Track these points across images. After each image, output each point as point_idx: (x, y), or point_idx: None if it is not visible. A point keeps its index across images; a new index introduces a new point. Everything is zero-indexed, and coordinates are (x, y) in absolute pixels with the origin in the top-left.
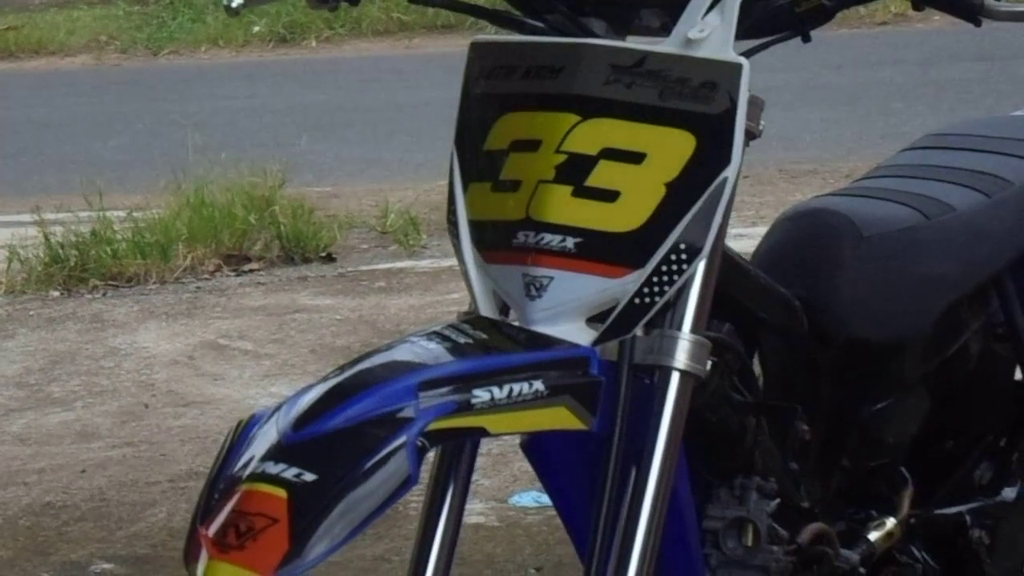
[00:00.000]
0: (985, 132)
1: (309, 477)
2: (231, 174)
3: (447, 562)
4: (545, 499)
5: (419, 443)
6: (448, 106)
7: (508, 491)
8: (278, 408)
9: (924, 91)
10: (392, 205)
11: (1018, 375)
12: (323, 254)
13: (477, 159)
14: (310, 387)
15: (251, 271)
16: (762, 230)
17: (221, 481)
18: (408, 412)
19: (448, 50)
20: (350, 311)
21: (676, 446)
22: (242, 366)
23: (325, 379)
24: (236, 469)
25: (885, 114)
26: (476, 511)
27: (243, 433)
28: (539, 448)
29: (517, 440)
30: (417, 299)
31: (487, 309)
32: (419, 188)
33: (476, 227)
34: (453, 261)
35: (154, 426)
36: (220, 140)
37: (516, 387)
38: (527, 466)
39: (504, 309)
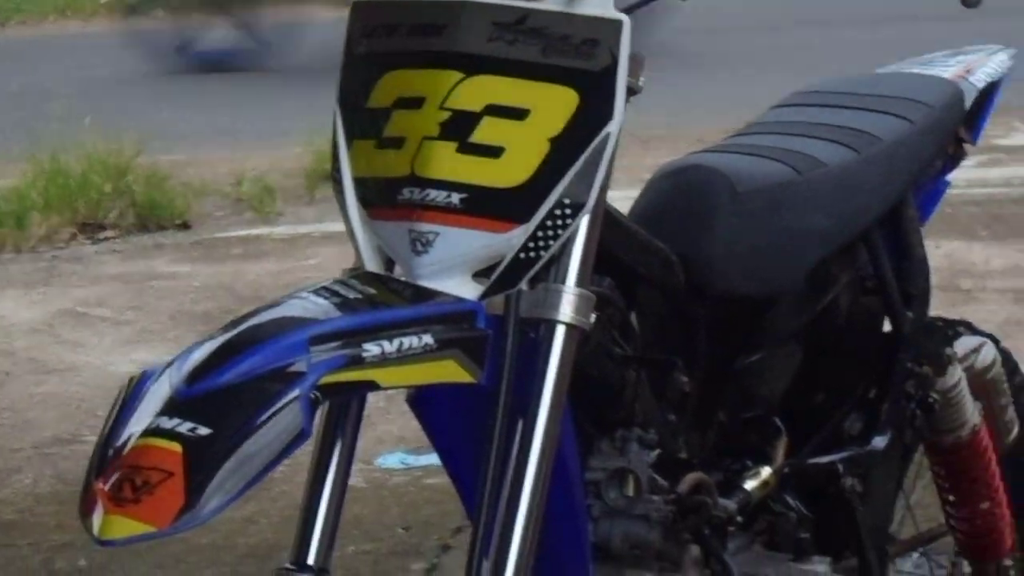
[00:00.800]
0: (852, 89)
1: (203, 431)
2: (86, 143)
3: (335, 518)
4: (411, 460)
5: (312, 396)
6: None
7: (374, 453)
8: (169, 364)
9: (772, 55)
10: (247, 173)
11: (886, 328)
12: (178, 222)
13: (360, 117)
14: (201, 343)
15: (107, 239)
16: (617, 194)
17: (115, 436)
18: (300, 366)
19: (300, 20)
20: (208, 277)
21: (562, 398)
22: (102, 333)
23: (215, 335)
24: (130, 424)
25: (734, 79)
26: None
27: (135, 389)
28: (425, 402)
29: (382, 402)
30: (275, 265)
31: (373, 265)
32: (273, 156)
33: (361, 184)
34: (309, 227)
35: (16, 393)
36: (74, 109)
37: (405, 341)
38: (393, 428)
39: (389, 265)
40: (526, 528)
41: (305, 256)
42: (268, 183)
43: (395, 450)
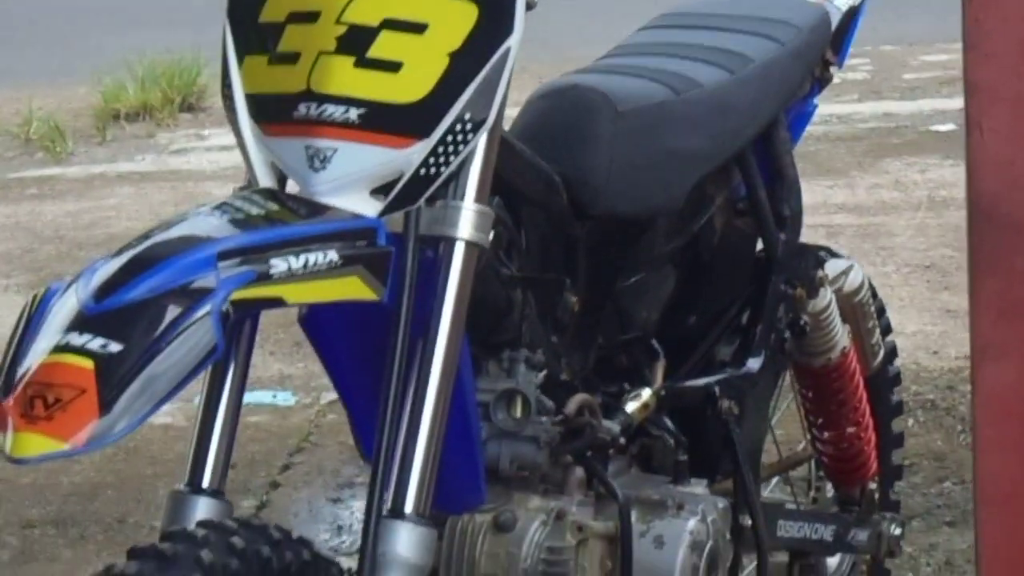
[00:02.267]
0: (719, 11)
1: (115, 347)
2: None
3: (229, 441)
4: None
5: (224, 310)
6: (84, 11)
7: (194, 391)
8: (75, 280)
9: None
10: (33, 113)
11: (758, 250)
12: None
13: (252, 32)
14: (106, 259)
15: None
16: None
17: (22, 354)
18: (209, 282)
19: None
20: (5, 217)
21: (462, 317)
22: None
23: (121, 251)
24: (37, 341)
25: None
26: (163, 411)
27: (40, 306)
28: (317, 323)
29: None
30: (73, 205)
31: (267, 182)
32: (60, 95)
33: (253, 100)
34: (103, 167)
35: None
36: None
37: (311, 257)
38: None
39: (282, 183)
40: (428, 449)
41: (102, 196)
42: (57, 123)
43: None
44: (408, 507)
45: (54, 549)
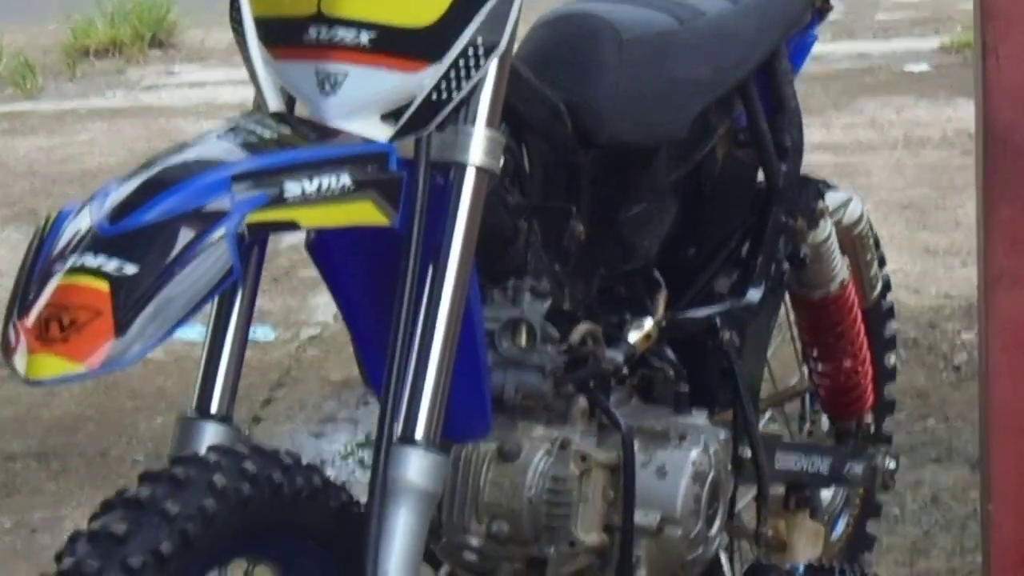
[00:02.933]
0: None
1: (130, 269)
2: None
3: (237, 366)
4: None
5: (240, 231)
6: None
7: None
8: (88, 202)
9: None
10: (4, 48)
11: (759, 180)
12: None
13: None
14: (119, 181)
15: None
16: None
17: (37, 274)
18: (224, 204)
19: None
20: None
21: (473, 243)
22: None
23: (133, 174)
24: (52, 262)
25: None
26: None
27: (54, 227)
28: (325, 249)
29: None
30: (45, 140)
31: (276, 107)
32: (30, 31)
33: (263, 24)
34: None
35: None
36: None
37: (324, 181)
38: None
39: (290, 107)
40: (438, 375)
41: (74, 132)
42: (27, 59)
43: (194, 323)
44: (419, 434)
45: (37, 482)
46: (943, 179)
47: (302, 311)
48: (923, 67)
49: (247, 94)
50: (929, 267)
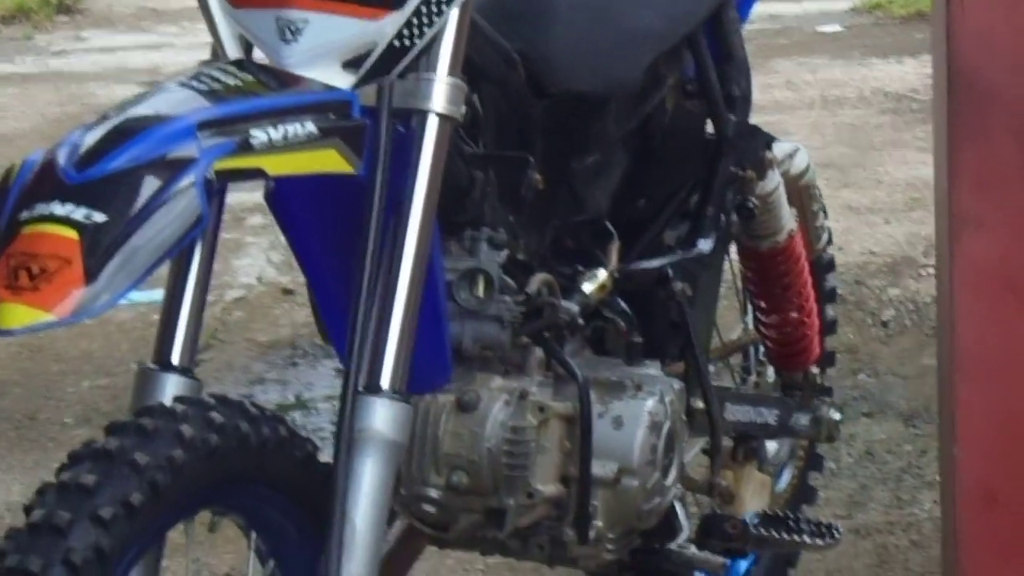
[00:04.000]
0: None
1: (99, 217)
2: None
3: (198, 317)
4: (135, 296)
5: (209, 178)
6: None
7: None
8: (53, 150)
9: None
10: None
11: (708, 131)
12: None
13: None
14: (84, 129)
15: None
16: None
17: (3, 223)
18: (191, 152)
19: None
20: None
21: (436, 190)
22: None
23: (97, 122)
24: (18, 211)
25: None
26: None
27: (18, 177)
28: (284, 201)
29: None
30: None
31: (235, 55)
32: None
33: None
34: None
35: None
36: None
37: (289, 128)
38: None
39: (248, 56)
40: (403, 324)
41: None
42: None
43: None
44: (384, 383)
45: None
46: (862, 138)
47: (225, 273)
48: (835, 28)
49: (157, 59)
50: (852, 225)
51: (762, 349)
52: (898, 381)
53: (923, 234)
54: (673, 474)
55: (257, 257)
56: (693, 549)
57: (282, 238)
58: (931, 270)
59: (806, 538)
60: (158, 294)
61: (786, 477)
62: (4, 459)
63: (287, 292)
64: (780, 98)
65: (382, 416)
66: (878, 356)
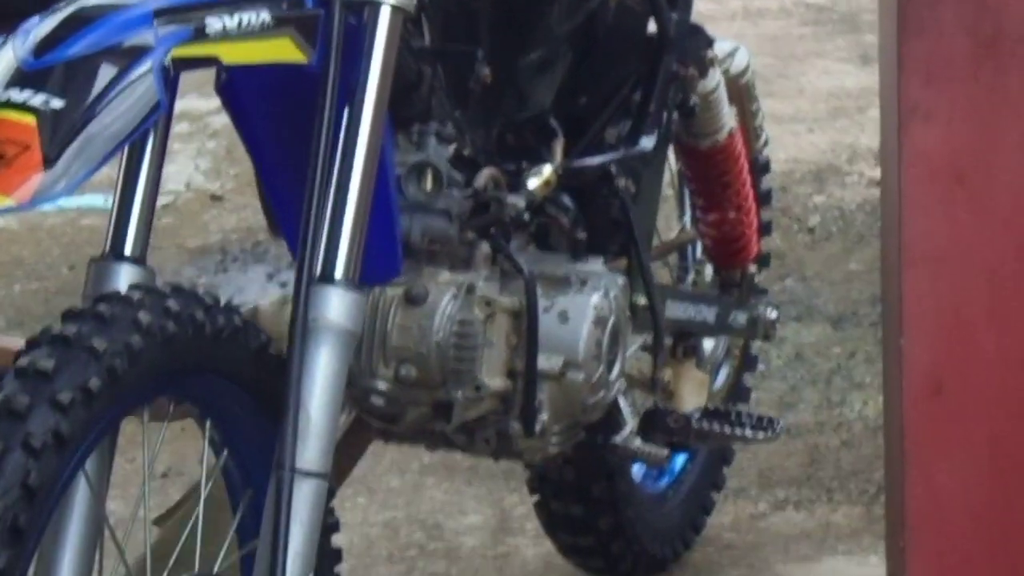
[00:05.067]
0: None
1: (57, 103)
2: None
3: (150, 208)
4: (64, 202)
5: (165, 64)
6: None
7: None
8: (8, 38)
9: None
10: None
11: (651, 29)
12: None
13: None
14: (41, 17)
15: None
16: None
17: None
18: (147, 39)
19: None
20: None
21: (388, 81)
22: None
23: (54, 10)
24: None
25: None
26: None
27: None
28: (236, 92)
29: None
30: None
31: None
32: None
33: None
34: None
35: None
36: None
37: (244, 17)
38: None
39: None
40: (356, 214)
41: None
42: None
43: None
44: (338, 273)
45: None
46: (784, 48)
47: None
48: None
49: None
50: (776, 133)
51: (700, 248)
52: (825, 286)
53: (846, 142)
54: (617, 368)
55: (184, 164)
56: (638, 441)
57: (209, 144)
58: (855, 177)
59: (748, 432)
60: (88, 199)
61: (722, 376)
62: None
63: (215, 198)
64: (703, 9)
65: (336, 305)
66: (805, 261)
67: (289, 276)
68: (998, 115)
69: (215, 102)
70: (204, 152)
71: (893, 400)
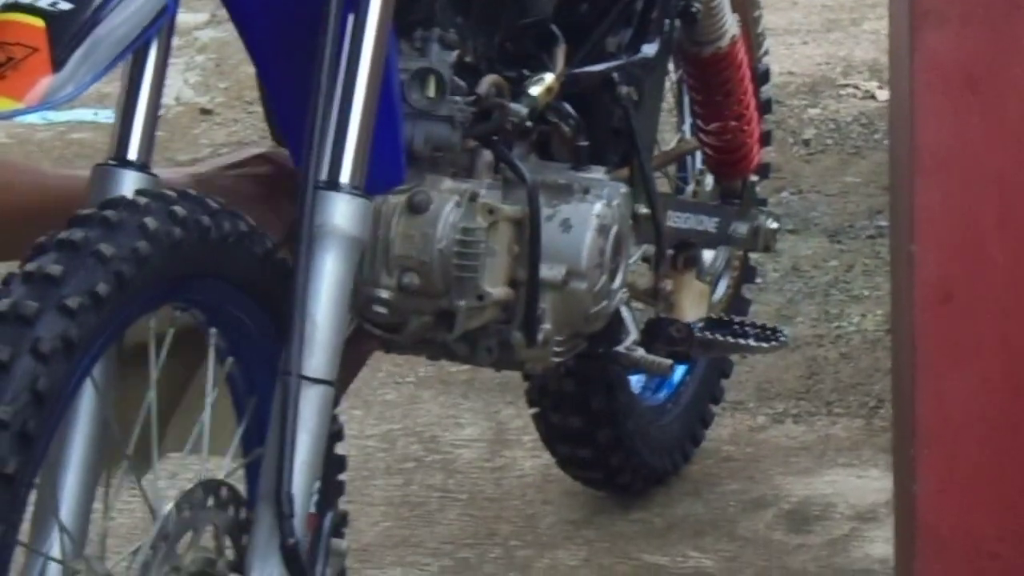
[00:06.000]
0: None
1: (65, 5)
2: None
3: (154, 115)
4: (52, 116)
5: None
6: None
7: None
8: None
9: None
10: None
11: None
12: None
13: None
14: None
15: None
16: None
17: None
18: None
19: None
20: None
21: None
22: None
23: None
24: None
25: None
26: None
27: None
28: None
29: None
30: None
31: None
32: None
33: None
34: None
35: None
36: None
37: None
38: None
39: None
40: (363, 120)
41: None
42: None
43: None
44: (344, 178)
45: None
46: None
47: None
48: None
49: None
50: (770, 46)
51: (700, 157)
52: (821, 199)
53: (840, 55)
54: (620, 278)
55: (174, 78)
56: (641, 351)
57: (198, 59)
58: (850, 90)
59: (751, 341)
60: (78, 113)
61: (722, 288)
62: None
63: (206, 112)
64: None
65: (342, 211)
66: (800, 174)
67: None
68: (1013, 20)
69: (203, 16)
70: (193, 66)
71: (903, 309)
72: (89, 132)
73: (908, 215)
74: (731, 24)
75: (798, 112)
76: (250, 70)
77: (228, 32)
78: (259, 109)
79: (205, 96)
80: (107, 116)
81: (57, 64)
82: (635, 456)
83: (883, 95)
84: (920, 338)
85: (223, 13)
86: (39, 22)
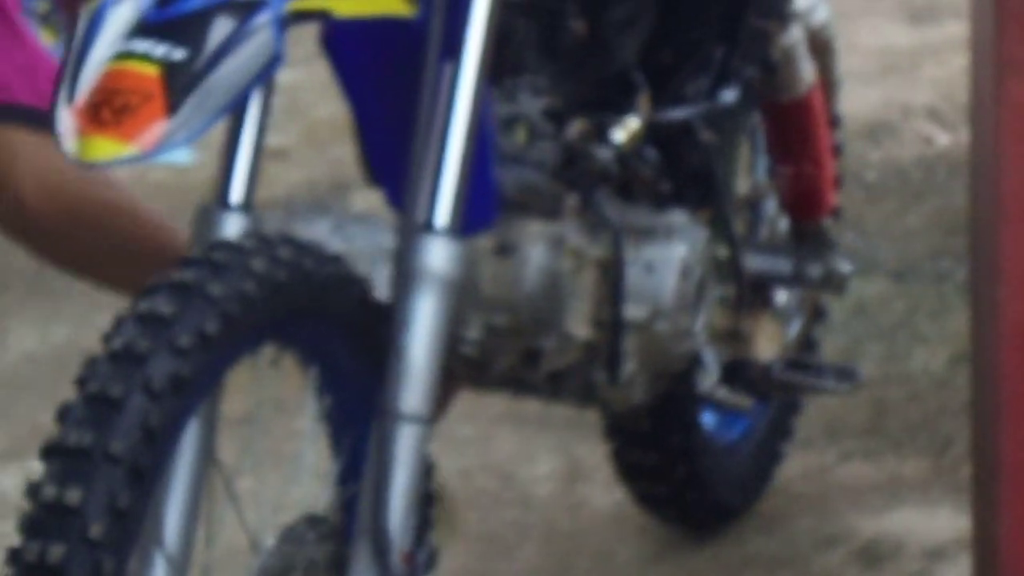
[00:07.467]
0: None
1: (179, 54)
2: None
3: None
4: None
5: (283, 16)
6: None
7: None
8: None
9: None
10: None
11: None
12: None
13: None
14: None
15: None
16: None
17: (85, 62)
18: None
19: None
20: None
21: (492, 32)
22: None
23: None
24: (100, 49)
25: None
26: None
27: (96, 16)
28: (339, 44)
29: None
30: None
31: None
32: None
33: None
34: None
35: None
36: None
37: None
38: None
39: None
40: (460, 164)
41: None
42: None
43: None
44: (442, 222)
45: None
46: (834, 6)
47: (216, 132)
48: None
49: None
50: None
51: (774, 201)
52: (885, 241)
53: (899, 99)
54: (701, 319)
55: None
56: (723, 391)
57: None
58: (910, 135)
59: (829, 381)
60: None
61: (794, 329)
62: (17, 312)
63: (280, 153)
64: None
65: (440, 254)
66: (864, 217)
67: (352, 230)
68: None
69: None
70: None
71: (985, 351)
72: (163, 173)
73: (992, 260)
74: (808, 72)
75: (859, 156)
76: (323, 112)
77: (301, 73)
78: (332, 151)
79: (280, 137)
80: (183, 158)
81: (171, 110)
82: (710, 492)
83: (943, 139)
84: (1004, 379)
85: (296, 53)
86: (153, 70)
